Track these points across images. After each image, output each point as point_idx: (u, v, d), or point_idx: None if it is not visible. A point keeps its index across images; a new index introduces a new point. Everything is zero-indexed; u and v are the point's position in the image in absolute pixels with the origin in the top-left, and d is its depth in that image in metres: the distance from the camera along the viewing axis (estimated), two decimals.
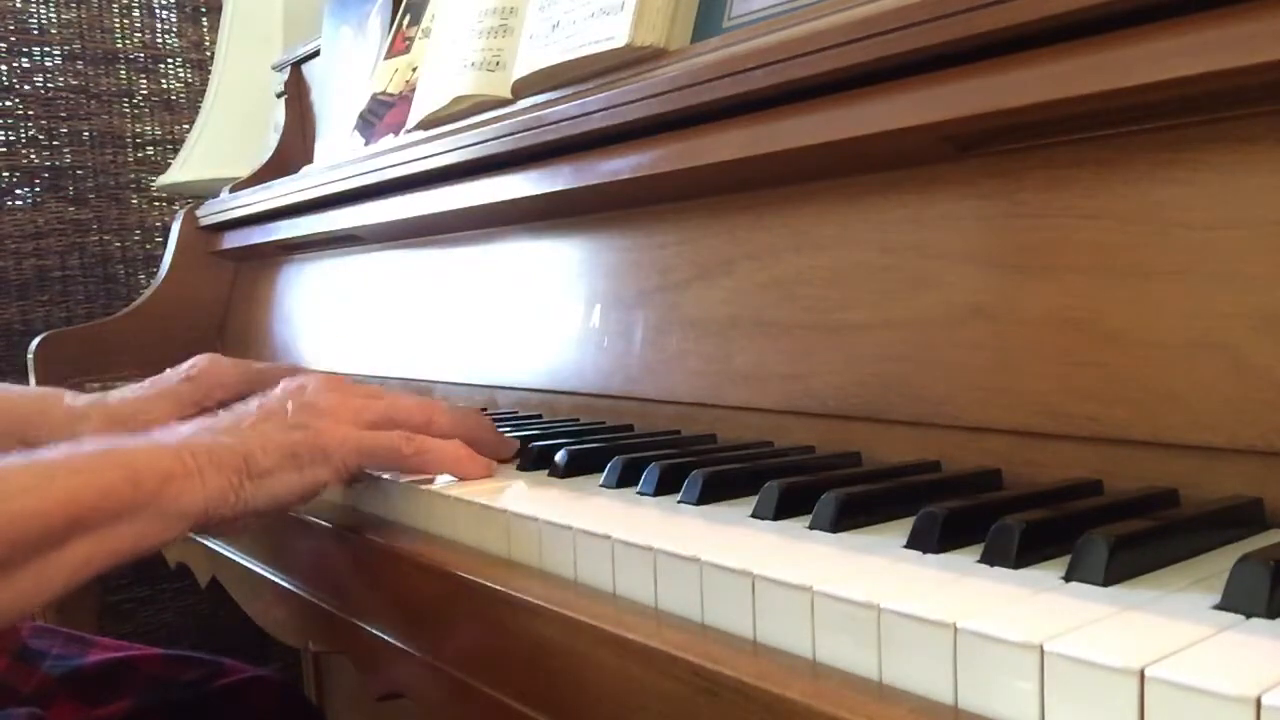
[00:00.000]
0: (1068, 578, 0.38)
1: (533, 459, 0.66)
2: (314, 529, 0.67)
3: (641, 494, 0.56)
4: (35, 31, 1.78)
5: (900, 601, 0.35)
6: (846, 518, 0.47)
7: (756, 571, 0.40)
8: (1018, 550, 0.40)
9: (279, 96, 1.54)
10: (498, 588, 0.49)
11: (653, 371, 0.77)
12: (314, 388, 0.62)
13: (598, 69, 0.80)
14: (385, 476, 0.65)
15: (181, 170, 1.65)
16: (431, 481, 0.62)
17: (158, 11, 1.90)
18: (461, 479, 0.62)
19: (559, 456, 0.63)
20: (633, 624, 0.42)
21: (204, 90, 1.74)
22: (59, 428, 0.77)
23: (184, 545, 0.93)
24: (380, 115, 1.18)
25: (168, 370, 0.84)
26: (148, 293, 1.51)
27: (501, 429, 0.76)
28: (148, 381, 0.83)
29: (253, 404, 0.62)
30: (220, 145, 1.65)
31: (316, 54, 1.45)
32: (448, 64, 0.97)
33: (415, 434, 0.62)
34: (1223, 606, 0.34)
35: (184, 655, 0.90)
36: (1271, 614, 0.33)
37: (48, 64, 1.80)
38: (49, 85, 1.80)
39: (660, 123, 0.71)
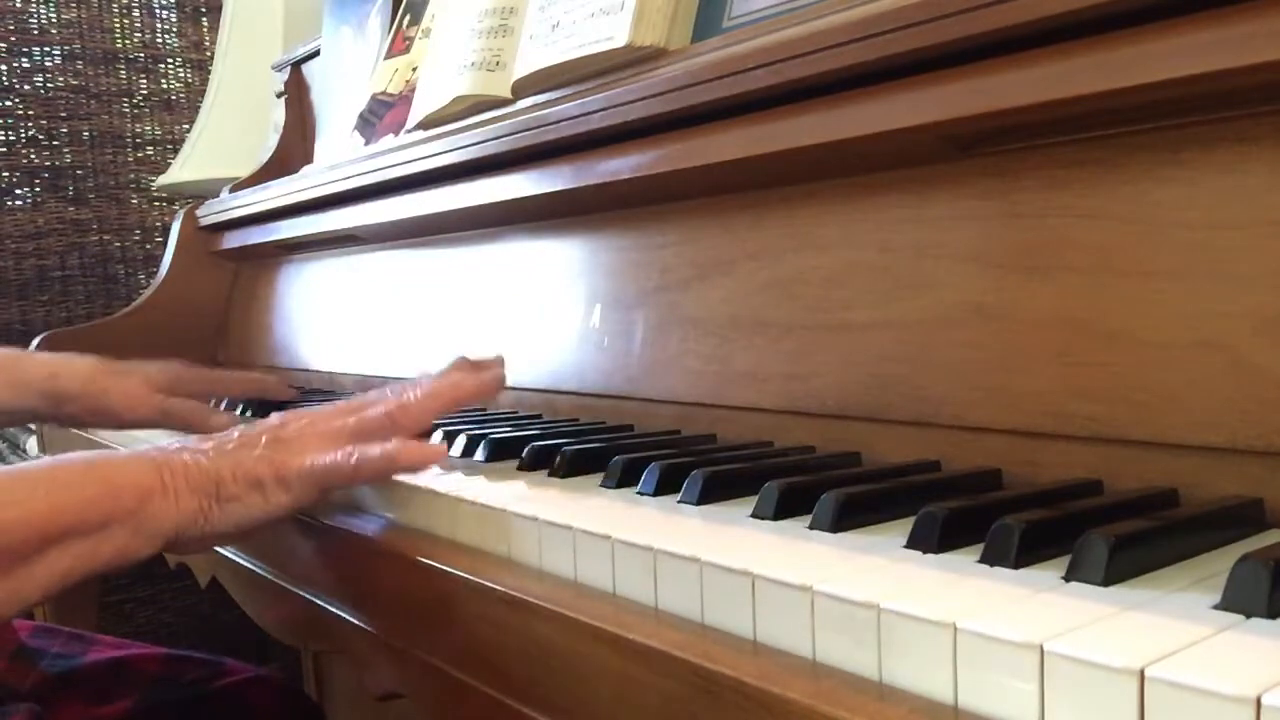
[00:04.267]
0: (1068, 578, 0.38)
1: (533, 459, 0.66)
2: (314, 529, 0.66)
3: (641, 494, 0.56)
4: (35, 31, 1.78)
5: (900, 601, 0.35)
6: (846, 518, 0.47)
7: (756, 571, 0.40)
8: (1017, 550, 0.40)
9: (279, 96, 1.54)
10: (497, 587, 0.49)
11: (653, 371, 0.77)
12: (289, 418, 0.64)
13: (598, 69, 0.80)
14: None
15: (181, 170, 1.66)
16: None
17: (158, 11, 1.91)
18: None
19: (559, 456, 0.63)
20: (633, 624, 0.42)
21: (204, 90, 1.74)
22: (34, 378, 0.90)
23: None
24: (380, 115, 1.18)
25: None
26: (148, 293, 1.51)
27: (501, 428, 0.76)
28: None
29: (235, 432, 0.63)
30: (220, 145, 1.65)
31: (316, 54, 1.45)
32: (448, 64, 0.97)
33: (361, 445, 0.61)
34: (1223, 606, 0.34)
35: (185, 655, 0.90)
36: (1271, 614, 0.33)
37: (48, 64, 1.80)
38: (49, 85, 1.80)
39: (660, 123, 0.71)
